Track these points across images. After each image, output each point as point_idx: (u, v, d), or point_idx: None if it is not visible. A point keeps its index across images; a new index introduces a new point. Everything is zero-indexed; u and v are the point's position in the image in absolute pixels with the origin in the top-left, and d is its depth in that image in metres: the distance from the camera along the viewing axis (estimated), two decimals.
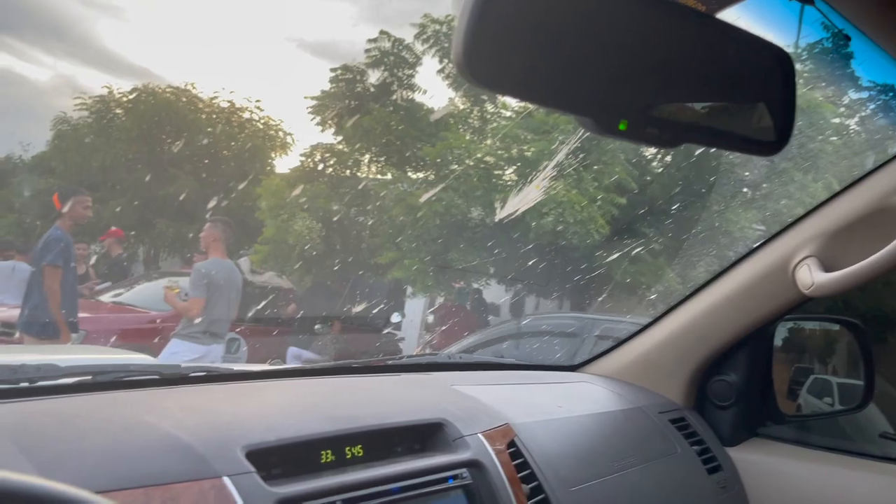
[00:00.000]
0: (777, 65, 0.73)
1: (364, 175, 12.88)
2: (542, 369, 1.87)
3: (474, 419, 1.15)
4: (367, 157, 12.76)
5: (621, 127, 0.62)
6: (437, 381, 1.41)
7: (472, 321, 10.07)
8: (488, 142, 10.91)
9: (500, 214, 9.57)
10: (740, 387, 1.73)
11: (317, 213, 11.87)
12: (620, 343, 1.89)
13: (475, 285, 11.28)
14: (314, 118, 13.22)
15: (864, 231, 1.43)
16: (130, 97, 15.11)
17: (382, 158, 12.58)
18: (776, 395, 1.78)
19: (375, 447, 1.00)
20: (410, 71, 12.84)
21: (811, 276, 1.46)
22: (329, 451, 0.96)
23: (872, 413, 2.07)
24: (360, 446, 0.99)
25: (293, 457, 0.92)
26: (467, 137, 11.22)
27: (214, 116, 15.50)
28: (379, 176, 12.56)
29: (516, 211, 9.37)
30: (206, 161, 15.19)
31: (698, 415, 1.74)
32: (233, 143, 15.37)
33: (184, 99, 15.18)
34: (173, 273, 9.19)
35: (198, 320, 5.22)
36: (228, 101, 15.63)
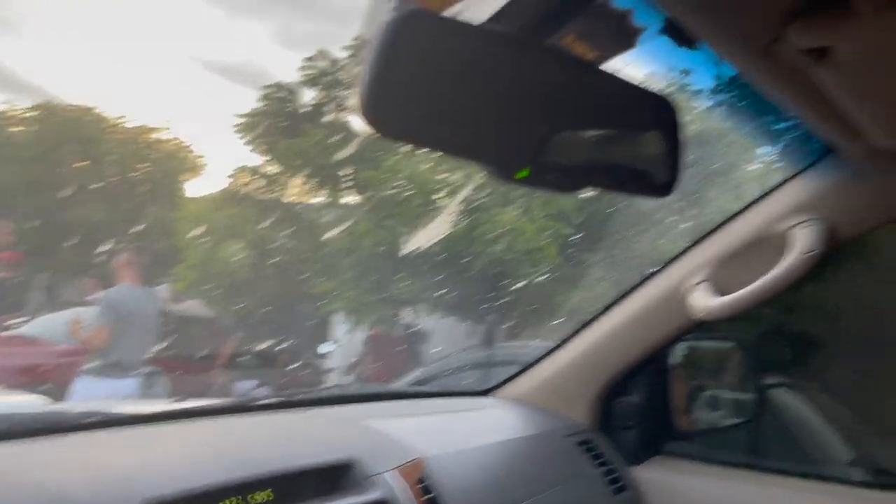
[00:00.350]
0: (664, 112, 0.77)
1: (297, 199, 12.47)
2: (453, 396, 1.88)
3: (385, 456, 1.14)
4: (301, 180, 12.33)
5: (523, 174, 0.64)
6: (347, 416, 1.39)
7: (403, 351, 9.94)
8: (429, 166, 10.71)
9: (418, 244, 9.60)
10: (642, 407, 1.79)
11: (246, 239, 11.43)
12: (529, 366, 1.92)
13: (413, 317, 10.97)
14: (242, 138, 12.73)
15: (750, 258, 1.51)
16: (29, 115, 14.38)
17: (317, 182, 12.17)
18: (676, 413, 1.86)
19: (284, 491, 0.98)
20: (347, 91, 12.61)
21: (704, 301, 1.54)
22: (236, 499, 0.93)
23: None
24: (268, 491, 0.96)
25: None
26: (409, 161, 10.99)
27: (121, 137, 14.91)
28: (314, 200, 12.17)
29: (431, 241, 9.46)
30: (114, 183, 14.63)
31: (604, 436, 1.79)
32: (141, 166, 14.87)
33: (88, 118, 14.55)
34: (80, 303, 8.70)
35: (105, 352, 4.87)
36: (136, 124, 15.21)
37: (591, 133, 0.72)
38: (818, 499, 1.60)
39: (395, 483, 1.08)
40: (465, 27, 0.61)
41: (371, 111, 0.56)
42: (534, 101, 0.66)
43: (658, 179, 0.76)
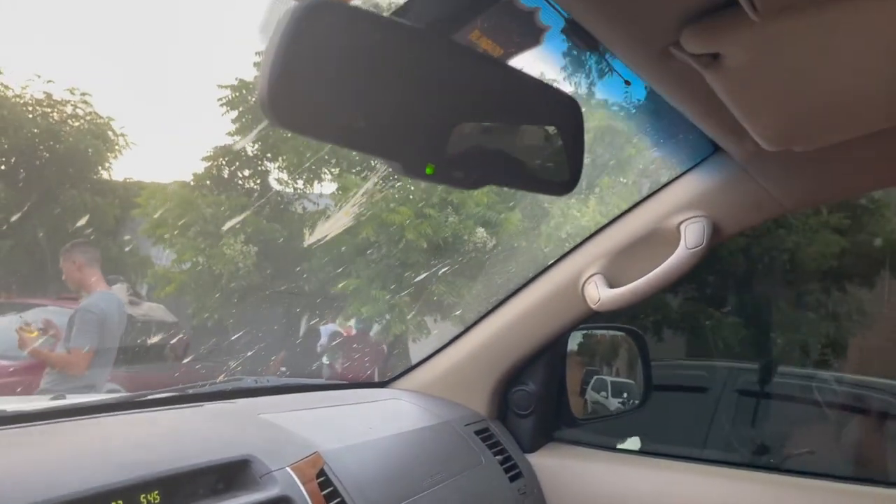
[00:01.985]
0: (567, 111, 0.78)
1: (299, 187, 11.23)
2: (352, 387, 1.86)
3: (282, 452, 1.11)
4: (309, 164, 11.05)
5: (428, 171, 0.64)
6: (243, 411, 1.35)
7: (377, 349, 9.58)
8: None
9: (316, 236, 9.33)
10: (538, 395, 1.84)
11: (247, 235, 10.09)
12: (428, 357, 1.93)
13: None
14: (225, 112, 11.11)
15: (642, 251, 1.58)
16: None
17: (333, 163, 10.99)
18: (569, 400, 1.92)
19: (174, 492, 0.94)
20: None
21: (598, 292, 1.59)
22: (121, 502, 0.88)
23: None
24: (156, 492, 0.92)
25: None
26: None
27: (28, 109, 12.65)
28: (334, 185, 10.84)
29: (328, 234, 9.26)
30: (21, 164, 12.42)
31: (501, 424, 1.83)
32: (54, 144, 12.57)
33: None
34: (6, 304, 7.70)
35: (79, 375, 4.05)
36: (44, 93, 12.74)
37: (496, 129, 0.72)
38: (701, 480, 1.70)
39: (293, 479, 1.06)
40: (373, 18, 0.60)
41: (272, 103, 0.54)
42: (440, 96, 0.65)
43: (559, 177, 0.77)
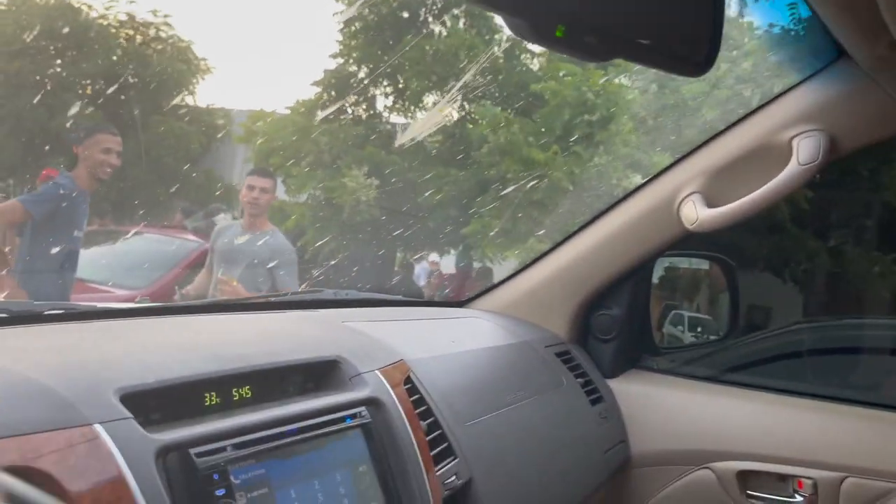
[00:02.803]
0: None
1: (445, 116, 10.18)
2: (431, 305, 1.84)
3: (370, 356, 1.09)
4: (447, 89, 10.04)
5: (558, 34, 0.57)
6: (328, 318, 1.34)
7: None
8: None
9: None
10: (622, 321, 1.77)
11: (370, 166, 9.39)
12: (507, 279, 1.89)
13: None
14: (341, 35, 10.29)
15: (746, 169, 1.47)
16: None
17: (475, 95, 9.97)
18: (653, 328, 1.86)
19: (265, 388, 0.93)
20: None
21: (696, 212, 1.50)
22: (214, 394, 0.87)
23: None
24: (248, 387, 0.91)
25: (174, 400, 0.83)
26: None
27: (114, 31, 12.28)
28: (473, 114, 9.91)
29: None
30: (114, 87, 11.91)
31: (582, 348, 1.78)
32: (140, 68, 12.06)
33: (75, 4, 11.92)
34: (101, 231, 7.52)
35: None
36: (127, 14, 12.33)
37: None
38: (788, 411, 1.63)
39: (382, 382, 1.04)
40: None
41: None
42: None
43: (696, 56, 0.69)
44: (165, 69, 12.21)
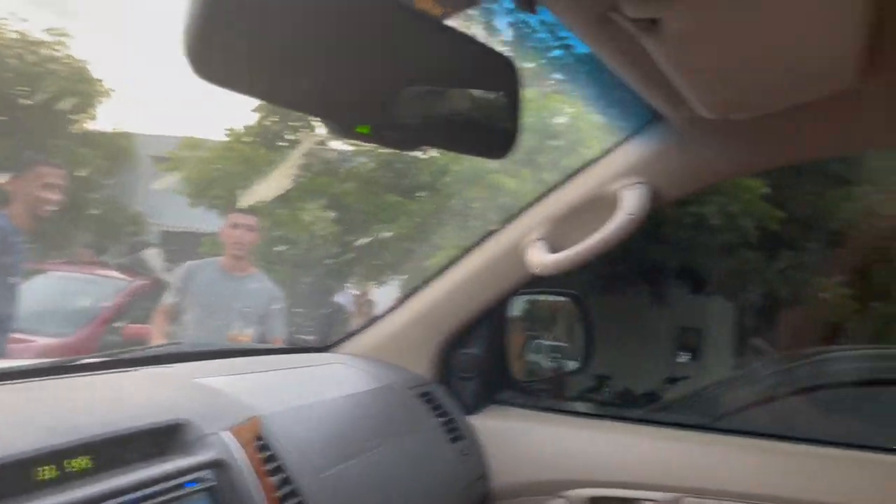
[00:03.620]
0: (504, 71, 0.77)
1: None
2: (292, 352, 1.85)
3: (218, 415, 1.10)
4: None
5: (363, 130, 0.62)
6: (178, 376, 1.32)
7: None
8: None
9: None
10: (481, 359, 1.86)
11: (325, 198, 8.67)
12: (372, 322, 1.93)
13: None
14: None
15: (582, 217, 1.59)
16: None
17: None
18: (512, 363, 1.95)
19: (105, 457, 0.92)
20: None
21: (539, 257, 1.61)
22: (49, 467, 0.85)
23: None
24: (87, 458, 0.90)
25: (4, 478, 0.81)
26: None
27: (6, 49, 11.26)
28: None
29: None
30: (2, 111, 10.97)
31: (444, 388, 1.84)
32: (34, 89, 11.06)
33: None
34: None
35: None
36: (18, 32, 11.34)
37: (433, 90, 0.71)
38: (637, 440, 1.75)
39: (229, 442, 1.05)
40: None
41: (196, 53, 0.52)
42: (375, 55, 0.64)
43: (497, 140, 0.76)
44: (62, 90, 11.24)
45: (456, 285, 1.80)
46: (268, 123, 10.01)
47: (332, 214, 8.92)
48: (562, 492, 1.70)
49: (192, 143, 10.10)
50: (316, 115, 0.61)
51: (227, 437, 1.05)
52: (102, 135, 11.86)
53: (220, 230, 4.01)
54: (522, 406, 1.91)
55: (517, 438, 1.80)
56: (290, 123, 9.88)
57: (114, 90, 11.93)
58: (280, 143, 9.94)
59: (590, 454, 1.74)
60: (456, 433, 1.71)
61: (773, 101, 1.18)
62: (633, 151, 1.52)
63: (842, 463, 1.61)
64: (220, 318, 3.67)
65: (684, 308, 6.09)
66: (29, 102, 11.14)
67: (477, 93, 0.76)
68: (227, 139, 10.05)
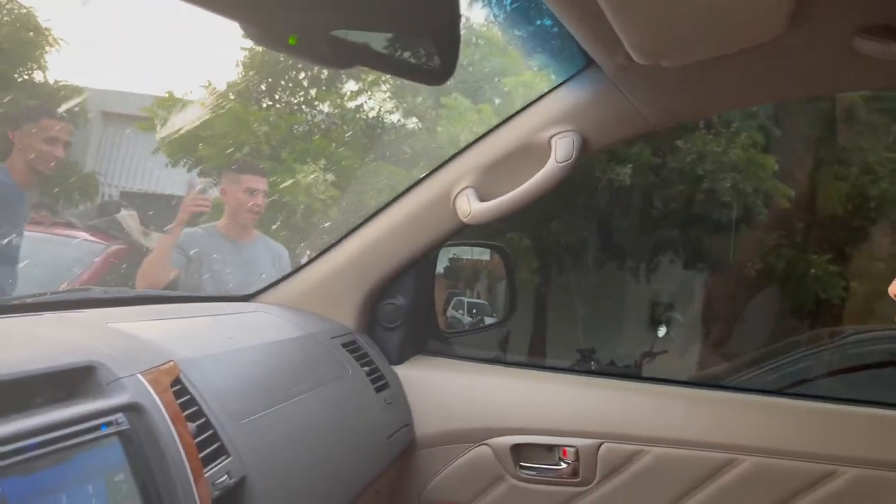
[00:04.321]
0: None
1: None
2: (213, 300, 1.79)
3: (132, 359, 1.04)
4: None
5: (291, 41, 0.58)
6: (90, 320, 1.25)
7: None
8: None
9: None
10: (407, 309, 1.84)
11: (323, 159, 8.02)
12: (294, 271, 1.88)
13: None
14: None
15: (513, 165, 1.58)
16: None
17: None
18: (437, 314, 1.95)
19: (6, 400, 0.85)
20: None
21: (469, 206, 1.59)
22: None
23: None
24: None
25: None
26: None
27: None
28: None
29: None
30: None
31: (369, 337, 1.82)
32: None
33: None
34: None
35: None
36: None
37: (373, 10, 0.67)
38: (558, 389, 1.78)
39: (144, 386, 0.99)
40: None
41: None
42: None
43: (434, 66, 0.73)
44: (8, 37, 10.31)
45: (382, 234, 1.76)
46: (254, 81, 9.26)
47: (331, 177, 8.40)
48: (485, 440, 1.72)
49: (168, 102, 9.18)
50: (244, 21, 0.56)
51: (142, 380, 1.00)
52: (52, 87, 10.92)
53: (225, 194, 3.73)
54: (448, 356, 1.91)
55: (442, 387, 1.81)
56: (281, 83, 9.18)
57: (63, 40, 10.97)
58: (269, 103, 9.24)
59: (513, 403, 1.76)
60: (380, 382, 1.69)
61: (704, 47, 1.19)
62: (564, 99, 1.52)
63: (750, 406, 1.68)
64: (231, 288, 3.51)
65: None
66: None
67: (416, 15, 0.72)
68: (208, 97, 9.31)
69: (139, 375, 1.00)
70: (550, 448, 1.70)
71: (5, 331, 1.10)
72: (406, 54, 0.71)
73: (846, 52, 1.20)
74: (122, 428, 0.91)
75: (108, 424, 0.90)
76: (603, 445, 1.66)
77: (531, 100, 1.57)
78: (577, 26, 1.17)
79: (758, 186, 5.43)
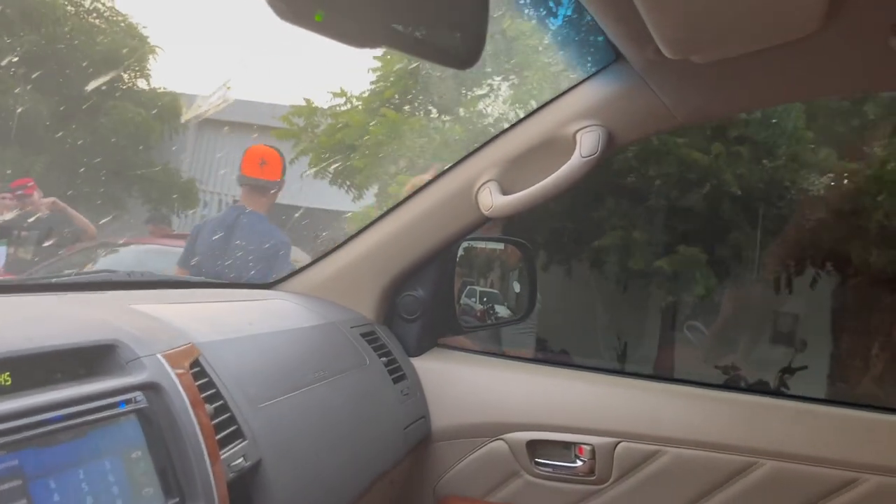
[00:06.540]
0: None
1: None
2: (235, 287, 1.80)
3: (153, 339, 1.05)
4: None
5: (317, 18, 0.58)
6: (112, 301, 1.26)
7: None
8: None
9: None
10: (426, 302, 1.84)
11: None
12: (316, 261, 1.89)
13: None
14: None
15: (536, 159, 1.57)
16: None
17: None
18: (456, 307, 1.94)
19: (28, 375, 0.86)
20: None
21: (491, 199, 1.59)
22: None
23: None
24: (6, 374, 0.84)
25: None
26: None
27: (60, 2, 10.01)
28: None
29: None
30: (56, 67, 9.68)
31: (387, 329, 1.82)
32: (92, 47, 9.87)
33: None
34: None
35: None
36: None
37: None
38: (576, 386, 1.77)
39: (164, 366, 1.00)
40: None
41: None
42: None
43: (461, 51, 0.73)
44: (116, 46, 10.13)
45: (404, 226, 1.76)
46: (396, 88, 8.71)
47: None
48: (501, 435, 1.71)
49: (305, 111, 8.34)
50: None
51: (162, 360, 1.01)
52: (156, 94, 10.83)
53: None
54: (465, 350, 1.91)
55: (458, 381, 1.80)
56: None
57: (159, 48, 10.93)
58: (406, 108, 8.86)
59: (530, 398, 1.75)
60: (398, 374, 1.69)
61: (736, 44, 1.17)
62: (591, 93, 1.50)
63: (771, 410, 1.66)
64: None
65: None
66: (81, 56, 9.94)
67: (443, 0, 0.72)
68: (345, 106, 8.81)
69: (159, 356, 1.01)
70: (567, 445, 1.69)
71: (30, 308, 1.11)
72: (432, 37, 0.71)
73: (882, 51, 1.17)
74: (141, 406, 0.92)
75: (127, 402, 0.91)
76: (620, 444, 1.65)
77: (556, 94, 1.56)
78: (609, 20, 1.15)
79: None
